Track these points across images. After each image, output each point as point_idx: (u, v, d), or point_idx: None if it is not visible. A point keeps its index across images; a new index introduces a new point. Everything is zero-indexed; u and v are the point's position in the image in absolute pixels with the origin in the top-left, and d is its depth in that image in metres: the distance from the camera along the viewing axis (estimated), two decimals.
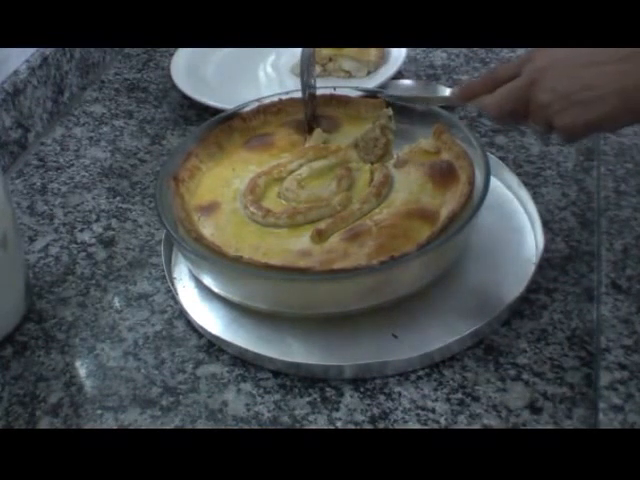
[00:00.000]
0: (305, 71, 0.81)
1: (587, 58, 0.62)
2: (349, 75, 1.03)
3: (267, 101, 0.85)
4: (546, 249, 0.72)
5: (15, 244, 0.71)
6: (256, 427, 0.62)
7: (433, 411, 0.62)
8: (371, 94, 0.85)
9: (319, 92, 0.84)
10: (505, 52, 1.05)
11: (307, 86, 0.82)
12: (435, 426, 0.61)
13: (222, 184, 0.78)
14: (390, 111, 0.79)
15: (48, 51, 0.99)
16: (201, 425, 0.63)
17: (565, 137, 0.66)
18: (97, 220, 0.85)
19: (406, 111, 0.81)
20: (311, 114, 0.83)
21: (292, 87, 0.87)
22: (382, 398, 0.63)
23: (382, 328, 0.68)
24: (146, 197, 0.87)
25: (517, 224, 0.77)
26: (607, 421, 0.58)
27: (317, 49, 1.02)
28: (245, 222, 0.73)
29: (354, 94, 0.85)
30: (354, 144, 0.79)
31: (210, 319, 0.71)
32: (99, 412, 0.65)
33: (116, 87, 1.08)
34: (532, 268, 0.70)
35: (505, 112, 0.67)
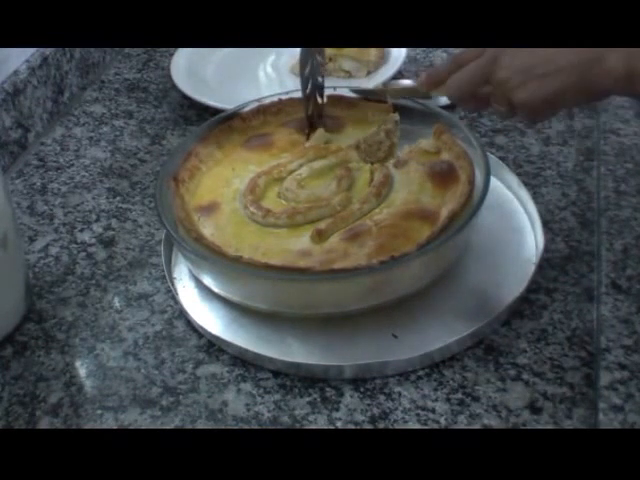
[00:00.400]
0: (305, 68, 0.81)
1: None
2: (349, 75, 1.03)
3: (267, 101, 0.85)
4: (546, 249, 0.72)
5: (15, 244, 0.71)
6: (256, 427, 0.62)
7: (433, 411, 0.62)
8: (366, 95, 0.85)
9: (328, 92, 0.84)
10: None
11: (309, 84, 0.81)
12: (435, 426, 0.61)
13: (222, 184, 0.78)
14: (397, 116, 0.79)
15: (48, 51, 0.99)
16: (201, 425, 0.63)
17: (526, 116, 0.66)
18: (97, 220, 0.85)
19: (406, 111, 0.81)
20: (314, 113, 0.82)
21: (292, 87, 0.87)
22: (382, 398, 0.63)
23: (382, 328, 0.68)
24: (146, 197, 0.87)
25: (517, 224, 0.77)
26: (607, 421, 0.58)
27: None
28: (245, 222, 0.73)
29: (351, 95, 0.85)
30: (355, 145, 0.79)
31: (210, 319, 0.71)
32: (99, 412, 0.65)
33: (116, 87, 1.08)
34: (532, 268, 0.70)
35: (465, 91, 0.67)
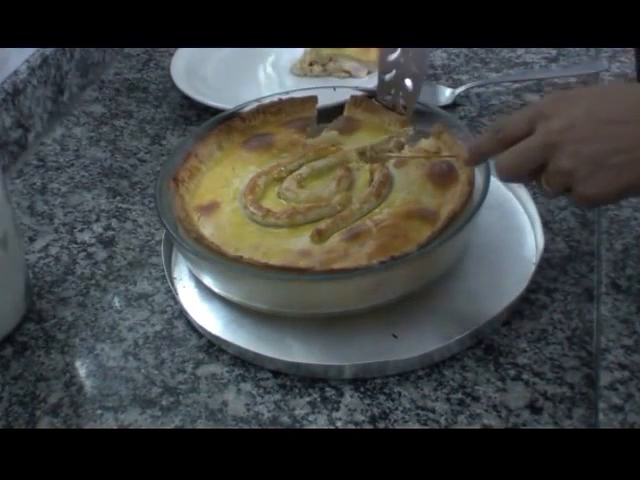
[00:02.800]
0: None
1: (605, 115, 0.57)
2: (349, 75, 1.03)
3: (267, 101, 0.85)
4: (546, 249, 0.72)
5: (15, 244, 0.71)
6: (256, 427, 0.62)
7: (433, 411, 0.62)
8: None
9: (354, 93, 0.84)
10: (505, 52, 1.05)
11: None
12: (435, 426, 0.61)
13: (222, 184, 0.78)
14: (412, 131, 0.79)
15: (48, 51, 0.99)
16: (201, 425, 0.63)
17: (584, 204, 0.60)
18: (97, 220, 0.85)
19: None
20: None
21: (292, 87, 0.87)
22: (382, 398, 0.63)
23: (382, 328, 0.68)
24: (146, 197, 0.87)
25: (517, 224, 0.77)
26: (607, 421, 0.58)
27: (317, 49, 1.03)
28: (245, 222, 0.73)
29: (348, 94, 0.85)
30: (360, 151, 0.78)
31: (210, 319, 0.71)
32: (99, 412, 0.65)
33: (116, 87, 1.08)
34: (532, 268, 0.70)
35: (518, 175, 0.63)
